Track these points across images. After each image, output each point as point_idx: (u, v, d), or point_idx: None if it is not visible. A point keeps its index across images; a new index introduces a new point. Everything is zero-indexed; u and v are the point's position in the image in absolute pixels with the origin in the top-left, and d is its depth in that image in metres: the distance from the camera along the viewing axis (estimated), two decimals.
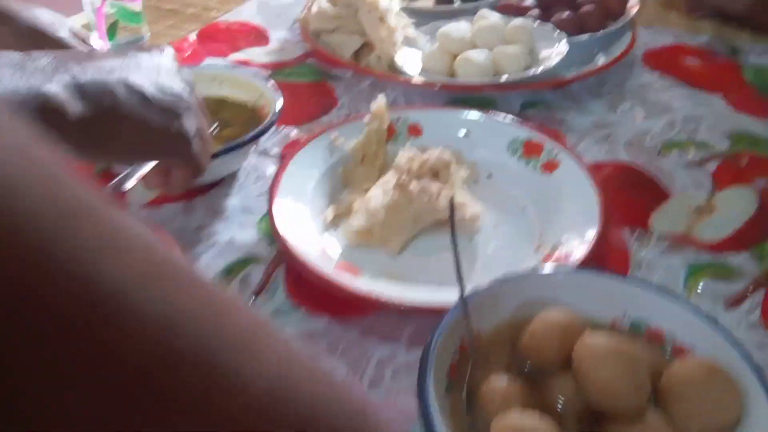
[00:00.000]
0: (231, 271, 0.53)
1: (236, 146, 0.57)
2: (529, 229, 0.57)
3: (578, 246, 0.50)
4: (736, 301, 0.50)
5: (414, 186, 0.55)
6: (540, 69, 0.73)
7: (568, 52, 0.75)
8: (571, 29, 0.82)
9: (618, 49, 0.81)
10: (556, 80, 0.75)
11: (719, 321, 0.42)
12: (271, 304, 0.50)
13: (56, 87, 0.34)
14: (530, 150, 0.62)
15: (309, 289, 0.51)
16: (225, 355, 0.16)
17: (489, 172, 0.63)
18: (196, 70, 0.71)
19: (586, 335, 0.38)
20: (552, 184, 0.59)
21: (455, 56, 0.77)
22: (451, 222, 0.45)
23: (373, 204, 0.55)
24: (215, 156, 0.53)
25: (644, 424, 0.36)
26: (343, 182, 0.62)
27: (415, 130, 0.66)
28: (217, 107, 0.67)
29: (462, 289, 0.42)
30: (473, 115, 0.66)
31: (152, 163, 0.49)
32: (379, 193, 0.57)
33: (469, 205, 0.56)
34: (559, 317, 0.41)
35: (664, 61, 0.84)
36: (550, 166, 0.60)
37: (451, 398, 0.39)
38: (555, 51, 0.75)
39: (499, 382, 0.39)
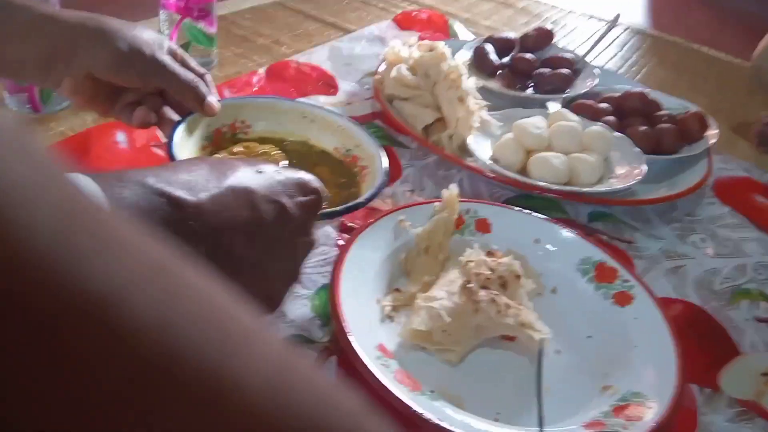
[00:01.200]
0: None
1: (340, 212, 0.53)
2: (594, 364, 0.53)
3: (654, 403, 0.47)
4: None
5: (483, 295, 0.53)
6: (617, 187, 0.70)
7: None
8: (645, 145, 0.80)
9: (691, 174, 0.79)
10: (630, 200, 0.73)
11: None
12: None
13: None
14: (603, 275, 0.59)
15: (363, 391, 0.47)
16: (222, 359, 0.16)
17: (554, 287, 0.60)
18: (290, 104, 0.68)
19: None
20: (623, 320, 0.56)
21: (528, 151, 0.75)
22: (537, 368, 0.42)
23: (437, 305, 0.52)
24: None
25: None
26: (403, 270, 0.60)
27: (483, 227, 0.63)
28: (305, 151, 0.64)
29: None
30: (546, 222, 0.64)
31: None
32: (443, 294, 0.54)
33: (536, 325, 0.53)
34: None
35: (734, 193, 0.82)
36: (623, 299, 0.57)
37: None
38: (635, 169, 0.73)
39: None
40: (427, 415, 0.43)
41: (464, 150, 0.77)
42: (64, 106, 0.77)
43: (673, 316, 0.59)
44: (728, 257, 0.70)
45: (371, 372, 0.45)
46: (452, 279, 0.56)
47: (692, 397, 0.52)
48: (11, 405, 0.13)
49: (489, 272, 0.55)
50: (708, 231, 0.74)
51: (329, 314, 0.53)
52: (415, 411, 0.43)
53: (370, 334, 0.50)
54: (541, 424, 0.39)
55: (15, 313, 0.13)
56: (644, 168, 0.73)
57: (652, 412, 0.46)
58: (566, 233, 0.63)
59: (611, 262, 0.60)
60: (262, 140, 0.65)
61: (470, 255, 0.57)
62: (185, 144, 0.58)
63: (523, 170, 0.75)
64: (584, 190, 0.70)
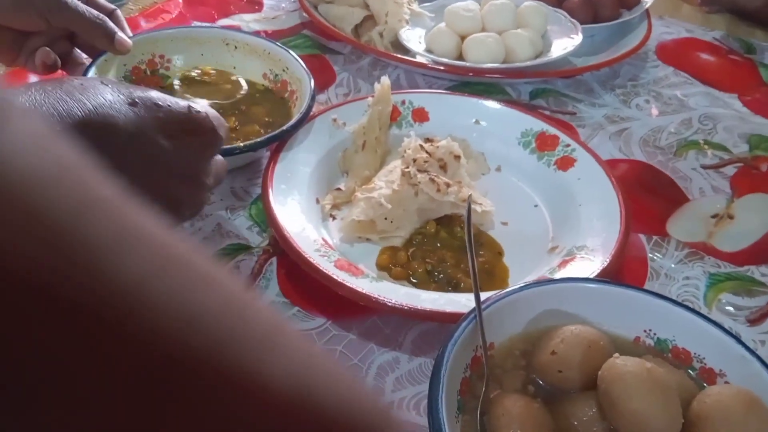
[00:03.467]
0: (220, 257, 0.48)
1: (269, 140, 0.53)
2: (542, 229, 0.53)
3: (598, 253, 0.46)
4: (759, 318, 0.47)
5: (421, 178, 0.51)
6: (554, 57, 0.68)
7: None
8: (583, 16, 0.78)
9: (631, 40, 0.78)
10: (569, 69, 0.71)
11: (742, 338, 0.39)
12: (263, 298, 0.45)
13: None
14: (543, 144, 0.58)
15: (304, 286, 0.46)
16: (245, 354, 0.15)
17: (498, 165, 0.59)
18: (208, 32, 0.65)
19: (616, 359, 0.35)
20: (567, 183, 0.55)
21: (463, 37, 0.72)
22: (467, 225, 0.41)
23: (376, 194, 0.51)
24: (247, 149, 0.51)
25: None
26: (342, 168, 0.58)
27: (421, 116, 0.61)
28: (234, 86, 0.62)
29: (478, 299, 0.38)
30: (483, 102, 0.62)
31: None
32: (382, 184, 0.52)
33: (480, 200, 0.52)
34: (582, 334, 0.38)
35: (678, 55, 0.80)
36: (565, 163, 0.56)
37: (462, 420, 0.36)
38: (570, 40, 0.71)
39: (514, 405, 0.36)
40: (370, 293, 0.42)
41: (398, 46, 0.74)
42: None
43: (620, 175, 0.59)
44: (673, 114, 0.69)
45: (311, 262, 0.44)
46: (391, 169, 0.55)
47: (641, 246, 0.52)
48: (33, 401, 0.12)
49: (427, 156, 0.54)
50: (652, 93, 0.73)
51: (266, 220, 0.51)
52: (358, 291, 0.42)
53: (311, 232, 0.49)
54: (476, 282, 0.39)
55: (32, 310, 0.12)
56: (580, 36, 0.71)
57: (595, 261, 0.46)
58: (504, 109, 0.61)
59: (551, 130, 0.58)
60: (188, 79, 0.62)
61: (408, 144, 0.55)
62: None
63: (459, 58, 0.72)
64: (519, 64, 0.68)
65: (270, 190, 0.50)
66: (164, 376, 0.14)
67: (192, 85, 0.61)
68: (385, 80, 0.60)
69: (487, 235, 0.52)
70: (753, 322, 0.47)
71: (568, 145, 0.57)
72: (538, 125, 0.59)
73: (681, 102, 0.71)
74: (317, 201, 0.54)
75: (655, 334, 0.40)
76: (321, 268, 0.44)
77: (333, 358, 0.19)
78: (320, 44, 0.78)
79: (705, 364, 0.39)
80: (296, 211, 0.50)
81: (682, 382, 0.37)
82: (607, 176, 0.53)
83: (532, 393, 0.37)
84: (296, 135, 0.56)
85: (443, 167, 0.54)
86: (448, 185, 0.52)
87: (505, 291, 0.40)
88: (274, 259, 0.49)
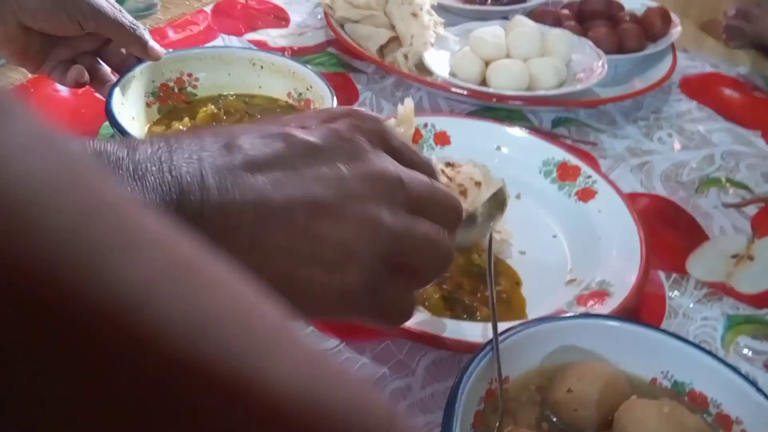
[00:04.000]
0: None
1: None
2: (560, 260, 0.53)
3: (617, 289, 0.46)
4: None
5: None
6: (578, 87, 0.68)
7: None
8: (608, 46, 0.78)
9: (655, 72, 0.78)
10: (592, 100, 0.71)
11: (758, 383, 0.38)
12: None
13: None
14: (565, 174, 0.58)
15: None
16: (252, 359, 0.15)
17: (518, 192, 0.59)
18: (235, 52, 0.67)
19: (634, 400, 0.35)
20: (587, 214, 0.55)
21: (487, 62, 0.73)
22: (488, 255, 0.41)
23: None
24: None
25: None
26: None
27: (443, 139, 0.62)
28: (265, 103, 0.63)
29: (495, 330, 0.38)
30: (506, 129, 0.62)
31: None
32: None
33: (498, 228, 0.52)
34: (600, 373, 0.37)
35: (702, 89, 0.80)
36: (586, 195, 0.56)
37: None
38: (595, 70, 0.71)
39: None
40: None
41: (422, 69, 0.75)
42: (1, 63, 0.74)
43: (640, 208, 0.58)
44: (695, 149, 0.69)
45: None
46: None
47: (660, 283, 0.52)
48: (36, 412, 0.12)
49: (447, 181, 0.54)
50: (675, 126, 0.72)
51: None
52: None
53: None
54: (494, 314, 0.38)
55: (33, 318, 0.12)
56: (605, 67, 0.71)
57: (614, 297, 0.45)
58: (527, 137, 0.61)
59: (573, 161, 0.58)
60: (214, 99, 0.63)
61: None
62: (127, 101, 0.57)
63: (483, 83, 0.73)
64: (543, 92, 0.68)
65: None
66: (170, 382, 0.13)
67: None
68: (409, 102, 0.61)
69: (506, 264, 0.52)
70: None
71: (590, 177, 0.57)
72: (560, 155, 0.59)
73: (704, 137, 0.71)
74: None
75: (672, 375, 0.40)
76: None
77: (340, 361, 0.18)
78: (345, 62, 0.79)
79: (722, 409, 0.38)
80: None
81: (699, 426, 0.36)
82: (628, 210, 0.53)
83: (546, 430, 0.37)
84: None
85: (463, 193, 0.54)
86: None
87: (522, 324, 0.39)
88: None
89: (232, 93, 0.65)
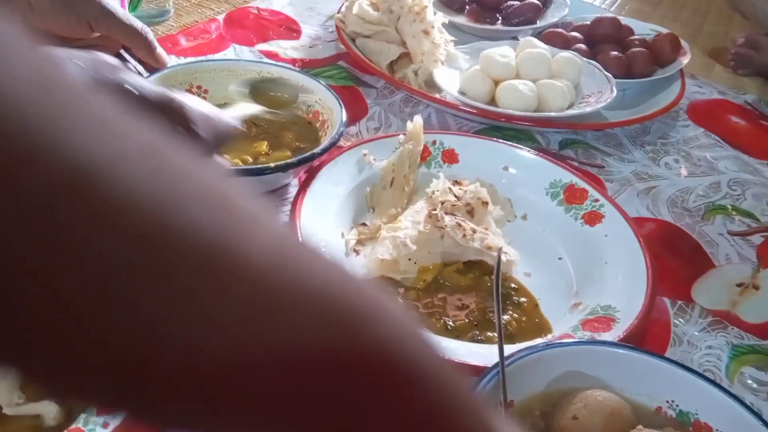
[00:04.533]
0: None
1: (299, 161, 0.54)
2: (565, 283, 0.53)
3: (624, 315, 0.46)
4: None
5: (448, 221, 0.51)
6: (587, 110, 0.69)
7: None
8: (617, 70, 0.78)
9: (663, 98, 0.78)
10: (600, 123, 0.72)
11: (762, 414, 0.38)
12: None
13: None
14: (572, 196, 0.58)
15: None
16: (222, 231, 0.15)
17: (524, 213, 0.59)
18: (246, 65, 0.67)
19: (640, 430, 0.34)
20: (593, 238, 0.55)
21: (497, 82, 0.73)
22: (496, 277, 0.41)
23: (401, 234, 0.51)
24: (272, 170, 0.52)
25: None
26: (369, 204, 0.58)
27: (451, 157, 0.62)
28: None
29: (502, 354, 0.38)
30: (514, 149, 0.62)
31: None
32: (408, 224, 0.53)
33: (504, 249, 0.52)
34: (605, 401, 0.37)
35: (709, 116, 0.80)
36: (592, 218, 0.56)
37: None
38: (604, 93, 0.71)
39: None
40: None
41: (431, 86, 0.75)
42: None
43: (646, 234, 0.58)
44: (702, 176, 0.69)
45: None
46: (418, 210, 0.55)
47: (665, 310, 0.52)
48: (7, 286, 0.12)
49: (455, 199, 0.54)
50: (681, 152, 0.73)
51: None
52: None
53: None
54: (501, 338, 0.38)
55: None
56: (614, 91, 0.71)
57: (620, 323, 0.45)
58: (535, 158, 0.61)
59: (580, 183, 0.58)
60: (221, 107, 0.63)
61: (436, 185, 0.56)
62: None
63: (492, 102, 0.73)
64: (552, 114, 0.68)
65: (297, 221, 0.50)
66: (139, 251, 0.13)
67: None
68: (418, 119, 0.61)
69: (523, 285, 0.52)
70: None
71: (597, 200, 0.57)
72: (567, 177, 0.59)
73: (710, 164, 0.71)
74: (342, 235, 0.54)
75: (677, 405, 0.39)
76: None
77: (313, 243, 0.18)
78: (354, 77, 0.79)
79: None
80: (321, 244, 0.50)
81: None
82: (635, 236, 0.53)
83: None
84: (325, 167, 0.56)
85: (470, 212, 0.54)
86: (474, 231, 0.52)
87: (528, 348, 0.39)
88: None
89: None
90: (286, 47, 0.84)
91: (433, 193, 0.55)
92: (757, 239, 0.61)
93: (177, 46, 0.81)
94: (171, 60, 0.67)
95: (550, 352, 0.39)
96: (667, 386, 0.40)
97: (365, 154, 0.59)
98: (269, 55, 0.82)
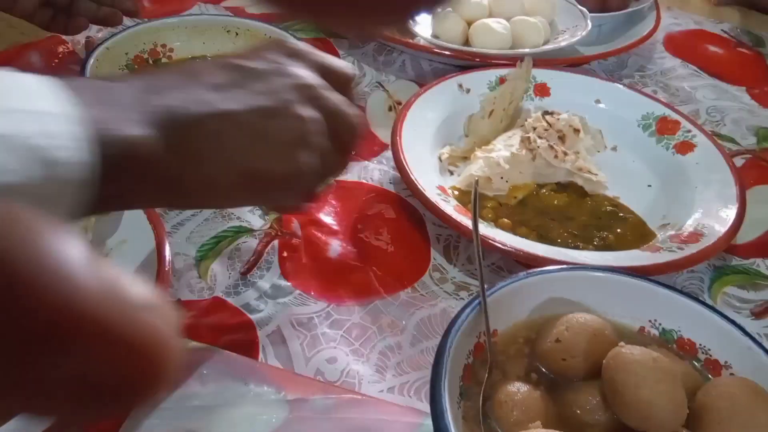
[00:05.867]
0: (221, 239, 0.48)
1: None
2: (652, 206, 0.54)
3: (710, 232, 0.48)
4: (763, 311, 0.47)
5: (540, 143, 0.53)
6: (563, 45, 0.67)
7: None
8: (591, 5, 0.77)
9: (639, 30, 0.77)
10: (577, 58, 0.70)
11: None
12: (265, 281, 0.45)
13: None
14: (664, 128, 0.59)
15: (305, 270, 0.46)
16: None
17: (614, 145, 0.60)
18: (209, 19, 0.65)
19: (622, 347, 0.34)
20: (684, 166, 0.56)
21: (469, 23, 0.72)
22: (474, 209, 0.41)
23: (495, 155, 0.53)
24: None
25: None
26: (467, 130, 0.61)
27: (542, 91, 0.63)
28: None
29: (482, 283, 0.38)
30: (606, 83, 0.64)
31: None
32: (501, 147, 0.55)
33: (593, 169, 0.54)
34: (588, 322, 0.37)
35: (686, 47, 0.79)
36: (684, 148, 0.57)
37: (464, 406, 0.35)
38: (579, 28, 0.70)
39: (517, 391, 0.35)
40: (490, 236, 0.45)
41: (404, 32, 0.73)
42: None
43: None
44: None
45: (434, 204, 0.48)
46: (510, 135, 0.57)
47: None
48: None
49: (547, 125, 0.55)
50: (660, 84, 0.72)
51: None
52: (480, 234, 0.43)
53: (432, 180, 0.52)
54: (480, 267, 0.38)
55: None
56: (589, 24, 0.70)
57: (707, 238, 0.47)
58: (627, 91, 0.62)
59: (673, 116, 0.59)
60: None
61: (535, 117, 0.57)
62: (102, 74, 0.55)
63: (466, 44, 0.71)
64: (528, 51, 0.67)
65: (399, 138, 0.53)
66: None
67: None
68: (529, 61, 0.61)
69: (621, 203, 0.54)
70: (758, 315, 0.47)
71: (689, 131, 0.58)
72: (660, 109, 0.61)
73: (688, 94, 0.70)
74: (439, 158, 0.56)
75: (660, 324, 0.40)
76: (442, 209, 0.47)
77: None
78: (324, 28, 0.77)
79: (710, 355, 0.38)
80: (419, 161, 0.52)
81: (688, 372, 0.37)
82: (727, 163, 0.54)
83: (534, 381, 0.37)
84: (424, 95, 0.59)
85: (561, 138, 0.55)
86: (566, 153, 0.53)
87: (510, 277, 0.39)
88: (275, 242, 0.48)
89: (205, 55, 0.64)
90: (252, 1, 0.82)
91: (525, 120, 0.57)
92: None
93: (141, 8, 0.79)
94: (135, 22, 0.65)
95: (532, 279, 0.39)
96: (650, 306, 0.40)
97: (460, 85, 0.61)
98: (235, 11, 0.79)
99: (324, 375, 0.40)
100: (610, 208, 0.53)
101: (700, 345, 0.39)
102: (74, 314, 0.12)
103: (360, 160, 0.57)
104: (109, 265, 0.13)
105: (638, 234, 0.51)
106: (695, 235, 0.48)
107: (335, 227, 0.50)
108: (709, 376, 0.38)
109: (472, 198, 0.40)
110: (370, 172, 0.56)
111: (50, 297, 0.11)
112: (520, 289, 0.39)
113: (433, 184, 0.51)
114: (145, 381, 0.13)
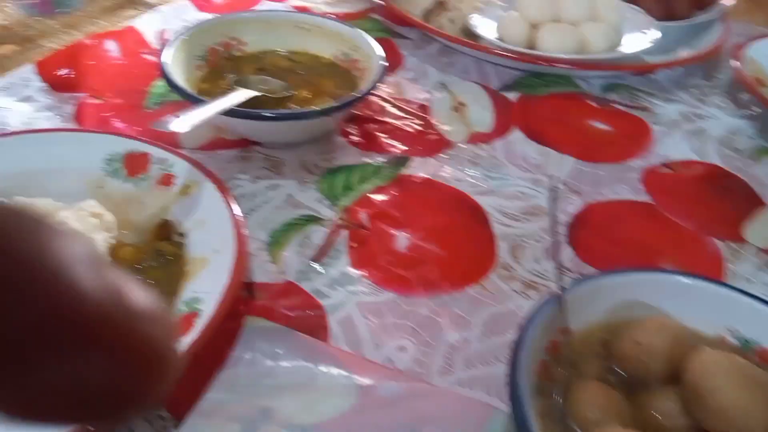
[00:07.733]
0: (292, 227, 0.48)
1: (340, 106, 0.54)
2: None
3: None
4: None
5: None
6: (631, 51, 0.67)
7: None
8: (657, 13, 0.76)
9: (704, 40, 0.76)
10: (645, 65, 0.70)
11: None
12: (334, 268, 0.46)
13: None
14: None
15: (375, 260, 0.46)
16: None
17: None
18: (281, 15, 0.67)
19: (704, 350, 0.34)
20: None
21: (534, 26, 0.71)
22: (551, 211, 0.41)
23: None
24: (318, 114, 0.53)
25: None
26: None
27: None
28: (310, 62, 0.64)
29: (561, 281, 0.37)
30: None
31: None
32: None
33: None
34: (668, 326, 0.37)
35: None
36: None
37: (541, 402, 0.35)
38: (644, 35, 0.69)
39: (596, 392, 0.35)
40: None
41: (468, 34, 0.74)
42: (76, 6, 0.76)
43: (692, 176, 0.57)
44: (750, 117, 0.67)
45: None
46: None
47: (716, 250, 0.51)
48: None
49: None
50: (729, 94, 0.71)
51: (337, 195, 0.52)
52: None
53: None
54: (559, 268, 0.38)
55: None
56: (657, 32, 0.69)
57: None
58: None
59: None
60: (259, 57, 0.65)
61: None
62: (177, 64, 0.57)
63: (530, 47, 0.71)
64: (598, 56, 0.67)
65: None
66: None
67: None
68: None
69: None
70: None
71: None
72: None
73: (759, 105, 0.69)
74: None
75: (740, 333, 0.39)
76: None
77: None
78: (388, 28, 0.78)
79: None
80: None
81: None
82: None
83: (612, 382, 0.36)
84: None
85: None
86: None
87: (588, 277, 0.39)
88: (345, 232, 0.49)
89: (276, 50, 0.65)
90: (317, 2, 0.84)
91: None
92: None
93: (209, 2, 0.81)
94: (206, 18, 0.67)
95: (608, 280, 0.39)
96: (730, 314, 0.39)
97: None
98: (301, 10, 0.81)
99: (393, 363, 0.40)
100: None
101: None
102: (74, 316, 0.11)
103: (425, 156, 0.58)
104: (114, 269, 0.12)
105: None
106: None
107: (402, 220, 0.50)
108: None
109: (550, 199, 0.40)
110: (436, 168, 0.56)
111: (50, 298, 0.11)
112: (597, 290, 0.39)
113: None
114: (139, 390, 0.12)
